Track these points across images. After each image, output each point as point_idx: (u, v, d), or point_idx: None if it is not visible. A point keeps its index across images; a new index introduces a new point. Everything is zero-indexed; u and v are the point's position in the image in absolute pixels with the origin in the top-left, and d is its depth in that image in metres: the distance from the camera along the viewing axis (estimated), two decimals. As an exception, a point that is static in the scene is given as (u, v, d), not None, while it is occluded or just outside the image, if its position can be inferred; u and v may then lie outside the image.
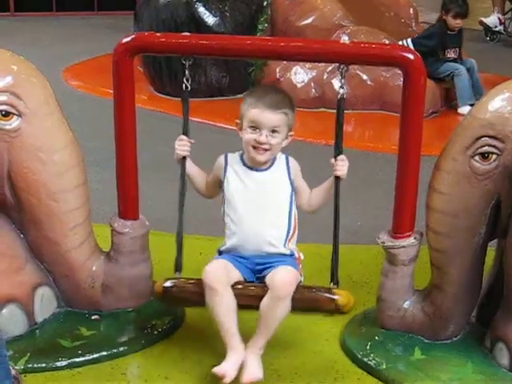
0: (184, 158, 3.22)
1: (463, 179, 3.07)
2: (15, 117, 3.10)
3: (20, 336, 3.28)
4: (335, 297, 3.06)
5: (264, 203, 3.11)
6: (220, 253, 3.21)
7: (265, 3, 7.61)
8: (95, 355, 3.22)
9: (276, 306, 2.97)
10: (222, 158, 3.23)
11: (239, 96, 7.38)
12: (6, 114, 3.09)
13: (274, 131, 3.06)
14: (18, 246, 3.30)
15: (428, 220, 3.19)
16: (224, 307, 2.99)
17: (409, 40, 7.18)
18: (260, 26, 7.52)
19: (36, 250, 3.33)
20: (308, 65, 7.18)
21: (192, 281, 3.12)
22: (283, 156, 3.19)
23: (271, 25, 7.61)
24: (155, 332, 3.40)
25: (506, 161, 3.00)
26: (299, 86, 7.22)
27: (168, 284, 3.12)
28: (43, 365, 3.15)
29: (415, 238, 3.26)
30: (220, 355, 3.24)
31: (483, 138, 3.02)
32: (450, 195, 3.10)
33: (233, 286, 3.04)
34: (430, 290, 3.29)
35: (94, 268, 3.39)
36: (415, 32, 7.90)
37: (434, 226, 3.17)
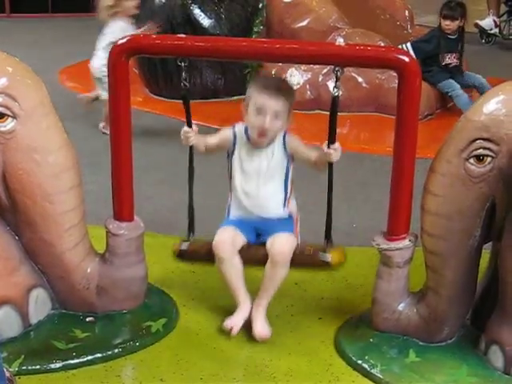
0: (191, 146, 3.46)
1: (458, 182, 3.07)
2: (10, 118, 3.09)
3: (14, 338, 3.26)
4: (327, 257, 3.41)
5: (263, 176, 3.40)
6: (228, 213, 3.51)
7: (260, 5, 7.61)
8: (90, 357, 3.22)
9: (276, 272, 3.35)
10: (230, 133, 3.47)
11: (235, 98, 7.41)
12: (1, 116, 3.08)
13: (276, 116, 3.31)
14: (13, 247, 3.29)
15: (423, 222, 3.19)
16: (232, 271, 3.40)
17: (408, 44, 7.18)
18: (255, 28, 7.52)
19: (31, 251, 3.32)
20: (303, 67, 7.18)
21: (203, 244, 3.48)
22: (281, 133, 3.42)
23: (267, 27, 7.62)
24: (150, 334, 3.39)
25: (501, 163, 3.00)
26: (295, 87, 7.21)
27: (184, 247, 3.53)
28: (37, 367, 3.14)
29: (410, 241, 3.26)
30: (215, 356, 3.26)
31: (478, 141, 3.02)
32: (445, 197, 3.10)
33: (239, 250, 3.40)
34: (424, 293, 3.29)
35: (88, 270, 3.38)
36: (410, 34, 7.91)
37: (428, 229, 3.17)
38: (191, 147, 3.45)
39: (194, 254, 3.54)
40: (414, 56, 6.68)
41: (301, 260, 3.40)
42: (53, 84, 6.04)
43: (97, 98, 6.33)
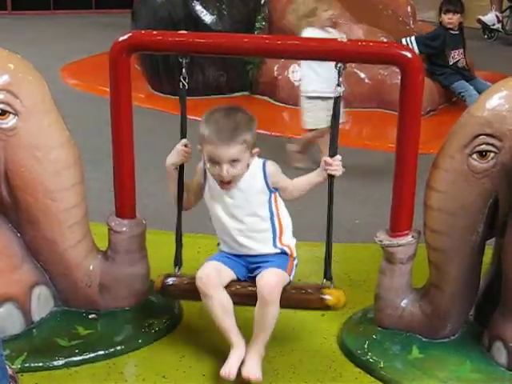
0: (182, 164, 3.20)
1: (461, 177, 3.06)
2: (12, 115, 3.09)
3: (17, 335, 3.27)
4: (325, 297, 3.09)
5: (241, 214, 3.11)
6: (218, 244, 3.27)
7: (262, 1, 7.60)
8: (92, 354, 3.22)
9: (266, 312, 3.04)
10: (202, 170, 3.17)
11: (237, 94, 7.43)
12: (3, 113, 3.08)
13: (235, 161, 2.99)
14: (15, 244, 3.29)
15: (425, 218, 3.19)
16: (220, 308, 3.08)
17: (412, 38, 7.19)
18: (257, 24, 7.51)
19: (33, 248, 3.32)
20: (306, 63, 7.16)
21: (190, 279, 3.16)
22: (260, 163, 3.11)
23: (269, 23, 7.60)
24: (152, 331, 3.39)
25: (504, 159, 3.00)
26: (297, 84, 7.20)
27: (168, 281, 3.22)
28: (40, 364, 3.14)
29: (413, 237, 3.26)
30: (218, 353, 3.25)
31: (481, 137, 3.01)
32: (448, 193, 3.09)
33: (227, 286, 3.12)
34: (427, 289, 3.29)
35: (91, 267, 3.38)
36: (413, 30, 7.89)
37: (431, 225, 3.17)
38: (181, 173, 3.21)
39: (178, 289, 3.22)
40: (418, 50, 6.75)
41: (293, 301, 3.11)
42: (54, 81, 6.04)
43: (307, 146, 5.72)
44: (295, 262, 3.22)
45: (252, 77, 7.45)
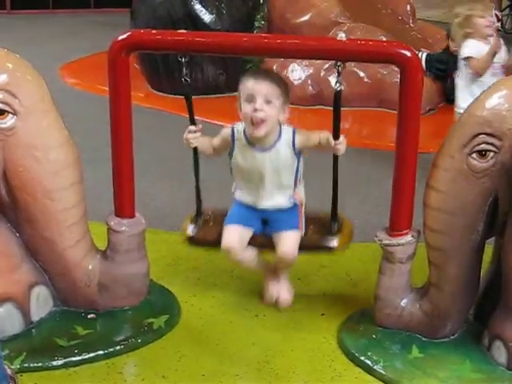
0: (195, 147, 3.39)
1: (460, 177, 3.06)
2: (10, 115, 3.09)
3: (16, 335, 3.26)
4: (332, 243, 3.39)
5: (269, 179, 3.29)
6: (235, 193, 3.45)
7: (261, 0, 7.60)
8: (91, 354, 3.21)
9: (285, 267, 3.42)
10: (229, 131, 3.36)
11: (236, 93, 7.41)
12: (1, 113, 3.08)
13: (268, 102, 3.18)
14: (14, 244, 3.29)
15: (425, 218, 3.18)
16: (249, 265, 3.43)
17: (424, 55, 7.21)
18: (257, 23, 7.51)
19: (32, 248, 3.32)
20: (305, 62, 7.17)
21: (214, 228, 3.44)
22: (290, 131, 3.31)
23: (268, 22, 7.61)
24: (152, 331, 3.39)
25: (504, 158, 2.99)
26: (296, 83, 7.21)
27: (192, 232, 3.47)
28: (39, 364, 3.14)
29: (412, 236, 3.25)
30: (217, 353, 3.25)
31: (480, 136, 3.00)
32: (447, 193, 3.09)
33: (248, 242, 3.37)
34: (427, 288, 3.28)
35: (90, 267, 3.37)
36: (412, 29, 7.90)
37: (431, 224, 3.16)
38: (195, 152, 3.41)
39: (203, 239, 3.48)
40: (425, 68, 6.84)
41: (305, 247, 3.37)
42: (53, 80, 6.04)
43: None
44: (303, 209, 3.41)
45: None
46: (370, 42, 3.49)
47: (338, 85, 3.13)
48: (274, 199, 3.35)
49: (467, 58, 4.99)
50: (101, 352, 3.23)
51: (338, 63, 3.11)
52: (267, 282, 3.46)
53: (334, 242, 3.40)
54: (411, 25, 8.06)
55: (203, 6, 7.28)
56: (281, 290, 3.46)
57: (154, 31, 3.42)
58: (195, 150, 3.39)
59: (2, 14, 11.95)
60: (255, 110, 3.17)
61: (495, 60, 4.97)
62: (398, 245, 3.24)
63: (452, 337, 3.33)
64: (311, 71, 7.23)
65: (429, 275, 3.27)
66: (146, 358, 3.26)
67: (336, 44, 3.22)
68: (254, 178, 3.31)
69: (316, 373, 3.18)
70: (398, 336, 3.33)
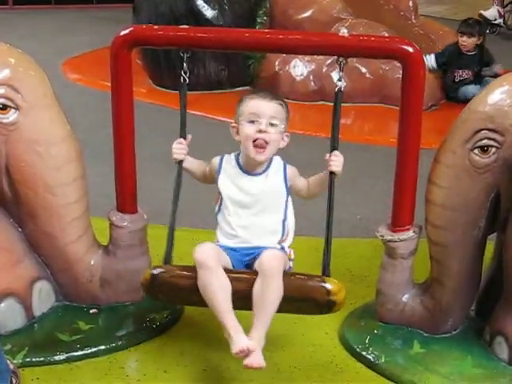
0: (181, 161, 3.18)
1: (462, 172, 3.06)
2: (13, 110, 3.09)
3: (18, 330, 3.27)
4: (326, 285, 2.90)
5: (257, 209, 3.07)
6: (217, 238, 3.13)
7: (264, -4, 7.59)
8: (93, 349, 3.22)
9: (268, 287, 2.86)
10: (217, 161, 3.18)
11: (238, 89, 7.40)
12: (4, 108, 3.08)
13: (271, 124, 3.02)
14: (16, 239, 3.30)
15: (427, 214, 3.19)
16: (218, 285, 2.88)
17: (432, 55, 7.26)
18: (259, 19, 7.50)
19: (34, 243, 3.32)
20: (307, 58, 7.17)
21: (181, 268, 3.02)
22: (281, 162, 3.14)
23: (270, 18, 7.59)
24: (154, 326, 3.40)
25: (506, 154, 2.99)
26: (298, 79, 7.21)
27: (155, 271, 2.99)
28: (41, 359, 3.15)
29: (414, 232, 3.26)
30: (218, 349, 3.25)
31: (482, 131, 3.01)
32: (449, 189, 3.09)
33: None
34: (429, 284, 3.29)
35: (92, 262, 3.38)
36: (414, 25, 7.89)
37: (433, 220, 3.17)
38: (179, 166, 3.18)
39: (168, 283, 2.99)
40: (435, 66, 6.86)
41: (294, 285, 2.92)
42: (56, 76, 6.03)
43: None
44: (291, 263, 3.11)
45: (253, 71, 7.43)
46: (372, 38, 3.48)
47: (340, 81, 3.12)
48: (261, 238, 3.04)
49: None
50: (103, 347, 3.24)
51: (340, 59, 3.11)
52: (231, 331, 2.88)
53: (329, 286, 2.91)
54: (413, 21, 8.04)
55: (205, 2, 7.27)
56: (251, 351, 2.85)
57: (156, 27, 3.42)
58: (179, 173, 3.17)
59: (5, 10, 11.94)
60: (260, 131, 3.00)
61: None
62: (400, 240, 3.24)
63: (453, 332, 3.33)
64: (313, 67, 7.22)
65: (430, 271, 3.28)
66: (148, 353, 3.27)
67: (338, 40, 3.21)
68: (243, 208, 3.06)
69: (317, 368, 3.18)
70: (400, 331, 3.33)
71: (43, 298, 3.38)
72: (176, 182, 3.17)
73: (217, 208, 3.15)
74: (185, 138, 3.20)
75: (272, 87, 7.38)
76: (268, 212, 3.07)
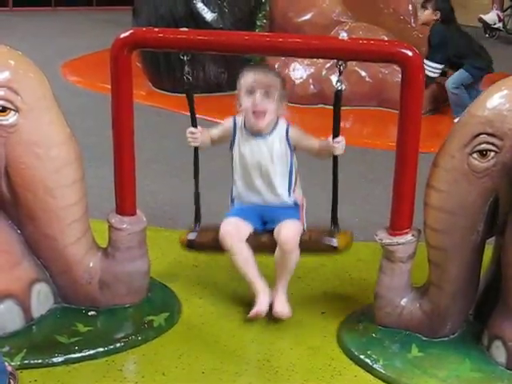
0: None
1: (461, 177, 3.06)
2: (12, 112, 3.09)
3: (16, 332, 3.26)
4: (334, 243, 3.42)
5: (266, 167, 3.41)
6: (232, 201, 3.54)
7: (263, -1, 7.60)
8: (92, 351, 3.21)
9: (286, 259, 3.38)
10: (231, 122, 3.49)
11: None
12: (3, 110, 3.08)
13: (268, 94, 3.34)
14: (15, 241, 3.29)
15: (426, 217, 3.19)
16: (243, 261, 3.41)
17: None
18: (259, 22, 7.51)
19: (33, 245, 3.32)
20: (306, 61, 7.17)
21: (211, 233, 3.47)
22: (284, 125, 3.44)
23: (270, 21, 7.60)
24: (152, 328, 3.39)
25: (505, 158, 3.00)
26: (298, 82, 7.22)
27: (191, 237, 3.52)
28: (39, 361, 3.14)
29: (413, 235, 3.26)
30: (217, 351, 3.25)
31: (481, 136, 3.01)
32: (448, 193, 3.09)
33: (247, 240, 3.41)
34: (427, 288, 3.29)
35: (91, 264, 3.38)
36: (414, 29, 7.89)
37: (431, 224, 3.17)
38: (196, 153, 3.47)
39: (202, 243, 3.53)
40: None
41: (307, 246, 3.41)
42: (55, 78, 6.05)
43: None
44: (304, 210, 3.50)
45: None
46: (372, 41, 3.49)
47: (339, 84, 3.14)
48: (272, 193, 3.44)
49: None
50: (101, 349, 3.23)
51: (340, 62, 3.12)
52: (259, 293, 3.44)
53: (336, 242, 3.42)
54: (413, 24, 8.05)
55: (205, 5, 7.28)
56: (277, 302, 3.45)
57: (156, 29, 3.43)
58: (196, 151, 3.47)
59: (5, 11, 11.96)
60: (257, 102, 3.32)
61: None
62: (399, 244, 3.24)
63: (452, 336, 3.33)
64: (313, 70, 7.23)
65: (429, 274, 3.28)
66: (146, 355, 3.26)
67: (338, 43, 3.23)
68: (254, 167, 3.41)
69: (315, 371, 3.18)
70: (398, 335, 3.33)
71: (42, 299, 3.38)
72: (194, 162, 3.49)
73: (232, 167, 3.49)
74: (196, 127, 3.46)
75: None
76: (274, 170, 3.42)
